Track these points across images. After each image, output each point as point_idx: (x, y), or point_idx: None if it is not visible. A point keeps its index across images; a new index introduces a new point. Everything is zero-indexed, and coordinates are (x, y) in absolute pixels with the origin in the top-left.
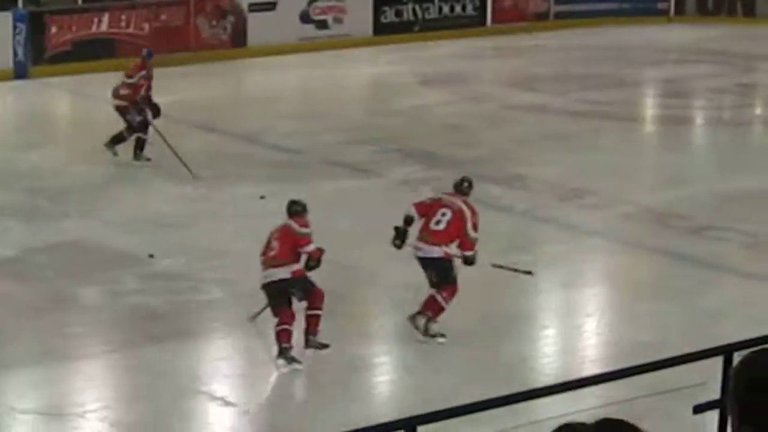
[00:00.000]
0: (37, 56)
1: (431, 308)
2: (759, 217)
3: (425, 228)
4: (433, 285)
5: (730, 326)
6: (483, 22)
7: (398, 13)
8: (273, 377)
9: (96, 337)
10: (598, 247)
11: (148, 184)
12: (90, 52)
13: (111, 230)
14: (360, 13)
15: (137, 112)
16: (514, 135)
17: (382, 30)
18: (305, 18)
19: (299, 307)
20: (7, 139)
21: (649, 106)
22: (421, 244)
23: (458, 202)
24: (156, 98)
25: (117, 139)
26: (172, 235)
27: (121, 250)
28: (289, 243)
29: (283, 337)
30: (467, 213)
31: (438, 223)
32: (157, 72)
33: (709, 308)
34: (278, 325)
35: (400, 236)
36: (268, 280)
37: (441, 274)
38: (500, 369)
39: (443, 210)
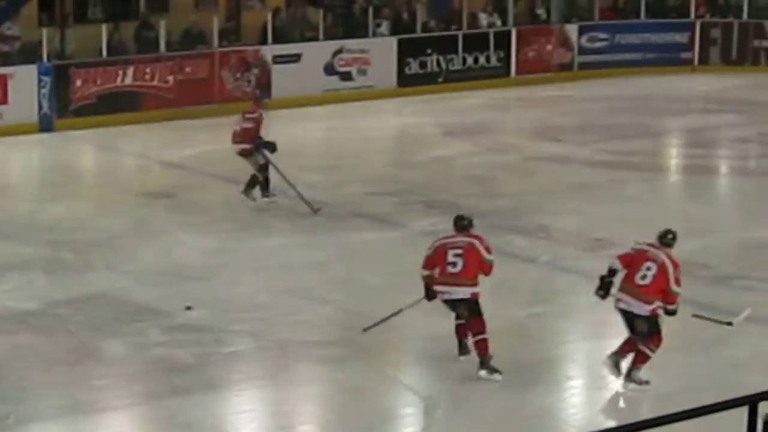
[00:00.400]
0: (62, 109)
1: (641, 361)
2: None
3: (630, 281)
4: (640, 335)
5: (757, 377)
6: (507, 73)
7: (422, 65)
8: (300, 430)
9: (121, 389)
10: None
11: (172, 236)
12: (115, 105)
13: (134, 283)
14: (384, 65)
15: (260, 154)
16: (537, 186)
17: (406, 81)
18: (329, 70)
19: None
20: (32, 191)
21: (673, 156)
22: (627, 297)
23: (662, 255)
24: (181, 151)
25: (252, 184)
26: (195, 287)
27: (144, 303)
28: (475, 264)
29: (482, 347)
30: (670, 268)
31: (644, 278)
32: (181, 125)
33: (735, 358)
34: (475, 336)
35: (604, 287)
36: (449, 297)
37: (651, 328)
38: (525, 419)
39: (648, 264)
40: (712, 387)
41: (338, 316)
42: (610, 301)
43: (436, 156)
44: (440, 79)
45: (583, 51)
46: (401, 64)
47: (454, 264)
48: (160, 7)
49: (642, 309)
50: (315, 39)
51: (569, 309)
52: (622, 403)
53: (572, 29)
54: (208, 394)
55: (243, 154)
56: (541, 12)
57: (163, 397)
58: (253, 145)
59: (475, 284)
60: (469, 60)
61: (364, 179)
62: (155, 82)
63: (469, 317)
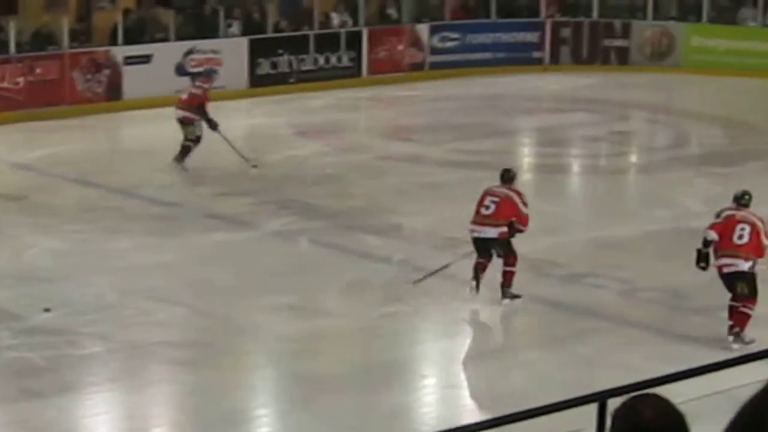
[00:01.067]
0: None
1: (741, 322)
2: (634, 265)
3: (729, 244)
4: (740, 297)
5: (607, 373)
6: (359, 73)
7: (274, 65)
8: None
9: None
10: (475, 296)
11: (22, 239)
12: None
13: None
14: (236, 66)
15: (199, 126)
16: (389, 185)
17: (257, 82)
18: (181, 70)
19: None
20: None
21: (525, 155)
22: (729, 260)
23: (750, 216)
24: (31, 153)
25: (184, 153)
26: (46, 289)
27: None
28: (508, 211)
29: (508, 278)
30: (759, 224)
31: (741, 237)
32: (32, 126)
33: (586, 355)
34: (507, 266)
35: (703, 258)
36: (479, 236)
37: (750, 286)
38: (378, 419)
39: (741, 225)
40: (561, 384)
41: (189, 318)
42: (462, 299)
43: (288, 156)
44: (292, 80)
45: (434, 51)
46: (252, 65)
47: (487, 207)
48: (9, 9)
49: (745, 266)
50: (166, 40)
51: (422, 308)
52: (475, 401)
53: (423, 29)
54: (61, 397)
55: (184, 122)
56: (392, 12)
57: (16, 401)
58: (198, 116)
59: (503, 226)
60: (321, 60)
61: (216, 180)
62: (5, 84)
63: (505, 254)
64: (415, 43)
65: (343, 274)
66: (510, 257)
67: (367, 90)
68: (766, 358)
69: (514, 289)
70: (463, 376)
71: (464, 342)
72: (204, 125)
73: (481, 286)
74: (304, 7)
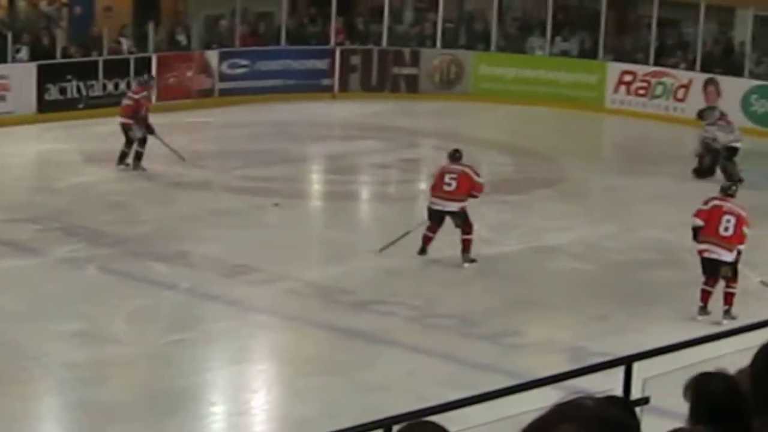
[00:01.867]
0: None
1: (732, 300)
2: (421, 291)
3: (714, 233)
4: (725, 278)
5: (395, 399)
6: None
7: (62, 91)
8: None
9: None
10: (264, 323)
11: None
12: None
13: None
14: (23, 91)
15: (139, 128)
16: (178, 212)
17: (46, 107)
18: None
19: None
20: None
21: (314, 182)
22: (713, 248)
23: (736, 208)
24: None
25: (138, 157)
26: None
27: None
28: (466, 185)
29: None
30: (743, 214)
31: (726, 229)
32: None
33: (374, 382)
34: (465, 234)
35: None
36: (440, 208)
37: (733, 269)
38: None
39: (727, 217)
40: (352, 411)
41: None
42: (250, 326)
43: (76, 182)
44: (81, 105)
45: (223, 77)
46: (41, 90)
47: (449, 184)
48: None
49: (729, 257)
50: None
51: (210, 335)
52: (265, 429)
53: (213, 55)
54: None
55: (124, 127)
56: (181, 38)
57: None
58: (134, 121)
59: (463, 200)
60: (110, 86)
61: (3, 206)
62: None
63: (463, 224)
64: (205, 69)
65: (130, 301)
66: (467, 227)
67: (157, 116)
68: (550, 384)
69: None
70: (252, 404)
71: (253, 369)
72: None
73: (280, 312)
74: (93, 33)
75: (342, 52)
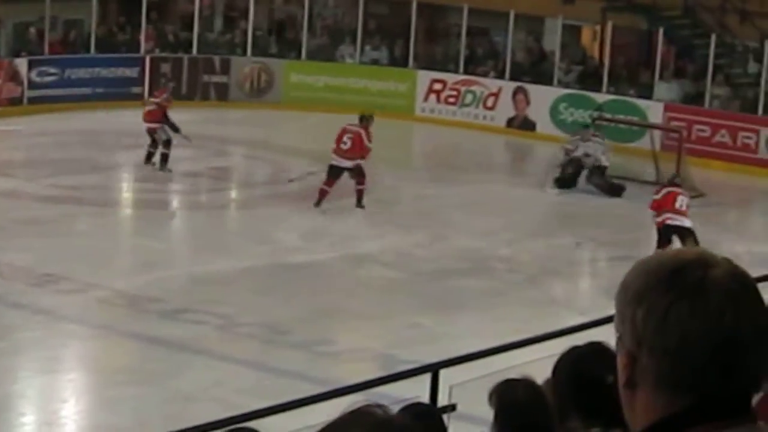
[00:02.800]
0: None
1: None
2: (232, 300)
3: (673, 208)
4: (690, 243)
5: (203, 408)
6: None
7: None
8: None
9: None
10: (73, 332)
11: None
12: None
13: None
14: None
15: (164, 131)
16: None
17: None
18: None
19: None
20: None
21: (124, 191)
22: (678, 217)
23: (684, 191)
24: None
25: (165, 160)
26: None
27: None
28: (359, 147)
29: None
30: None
31: (682, 205)
32: None
33: (184, 391)
34: (359, 185)
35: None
36: (337, 164)
37: (694, 237)
38: None
39: (682, 197)
40: (160, 420)
41: None
42: (60, 336)
43: None
44: None
45: (33, 85)
46: None
47: (345, 143)
48: None
49: (688, 222)
50: None
51: (19, 344)
52: None
53: (22, 63)
54: None
55: (149, 132)
56: None
57: None
58: (160, 124)
59: (356, 158)
60: None
61: None
62: None
63: (357, 177)
64: (14, 77)
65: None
66: (361, 179)
67: None
68: (359, 391)
69: None
70: (62, 414)
71: (63, 378)
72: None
73: (90, 321)
74: None
75: (152, 60)
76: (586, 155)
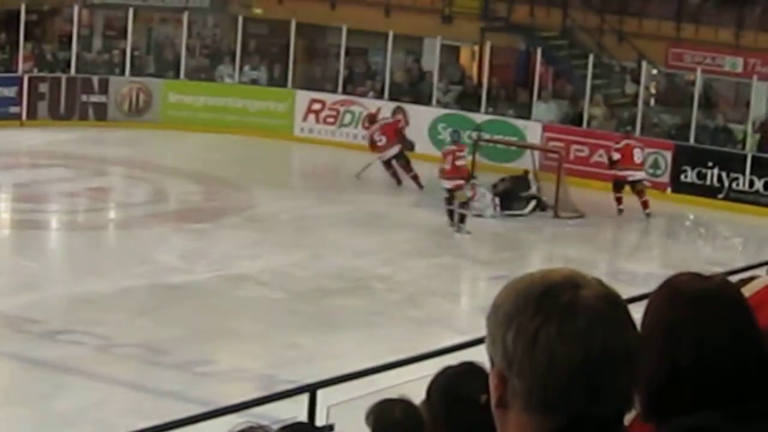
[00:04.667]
0: None
1: (648, 205)
2: (110, 320)
3: (631, 162)
4: (641, 194)
5: (83, 429)
6: None
7: None
8: None
9: None
10: None
11: None
12: None
13: None
14: None
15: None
16: None
17: None
18: None
19: None
20: None
21: (1, 211)
22: (635, 172)
23: (638, 141)
24: None
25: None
26: None
27: None
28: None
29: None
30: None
31: (639, 158)
32: None
33: (62, 412)
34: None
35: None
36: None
37: (644, 187)
38: None
39: (637, 149)
40: None
41: None
42: None
43: None
44: None
45: None
46: None
47: (380, 140)
48: None
49: (643, 176)
50: None
51: None
52: None
53: None
54: None
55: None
56: None
57: None
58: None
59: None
60: None
61: None
62: None
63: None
64: None
65: None
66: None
67: None
68: (238, 412)
69: None
70: None
71: None
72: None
73: None
74: None
75: (30, 80)
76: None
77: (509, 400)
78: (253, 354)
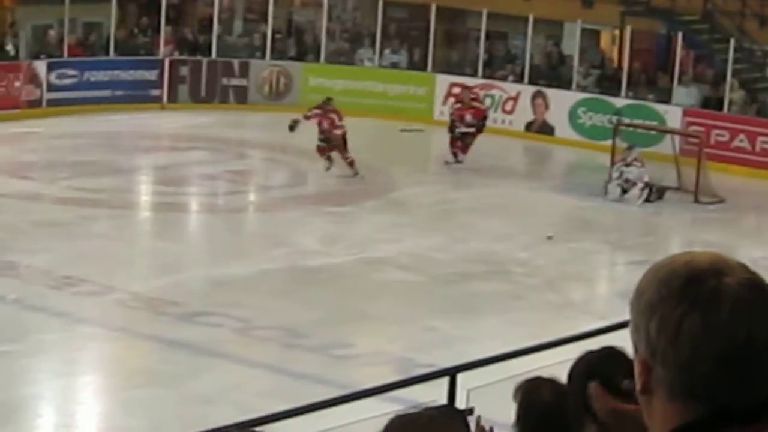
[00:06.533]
0: None
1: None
2: (249, 302)
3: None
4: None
5: (220, 411)
6: None
7: None
8: None
9: None
10: (91, 334)
11: None
12: None
13: None
14: None
15: None
16: (5, 223)
17: None
18: None
19: None
20: None
21: (142, 193)
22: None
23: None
24: None
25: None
26: None
27: None
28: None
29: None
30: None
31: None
32: None
33: (201, 394)
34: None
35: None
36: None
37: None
38: None
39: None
40: (177, 423)
41: None
42: (78, 338)
43: None
44: None
45: (52, 88)
46: None
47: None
48: None
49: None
50: None
51: (38, 347)
52: None
53: (41, 65)
54: None
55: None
56: (9, 48)
57: None
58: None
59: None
60: None
61: None
62: None
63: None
64: (33, 79)
65: None
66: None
67: None
68: (376, 395)
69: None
70: (78, 416)
71: (80, 381)
72: None
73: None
74: None
75: (171, 63)
76: (626, 181)
77: (653, 387)
78: (391, 337)
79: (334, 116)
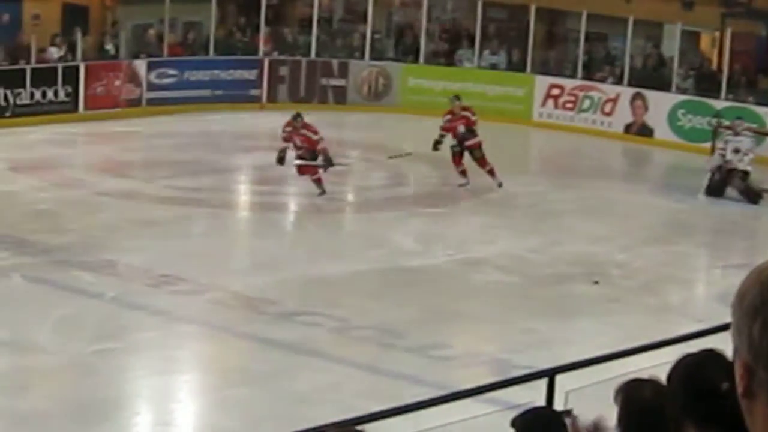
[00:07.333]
0: None
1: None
2: (346, 302)
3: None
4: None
5: (317, 410)
6: (75, 108)
7: None
8: None
9: None
10: (189, 333)
11: None
12: None
13: None
14: None
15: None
16: (104, 221)
17: None
18: None
19: None
20: None
21: (240, 193)
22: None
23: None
24: None
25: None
26: None
27: None
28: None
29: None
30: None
31: None
32: None
33: (299, 393)
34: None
35: (439, 143)
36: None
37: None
38: None
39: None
40: (273, 422)
41: None
42: (175, 336)
43: (2, 191)
44: (7, 113)
45: (151, 87)
46: None
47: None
48: None
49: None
50: None
51: (136, 345)
52: None
53: (141, 65)
54: None
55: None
56: (110, 47)
57: None
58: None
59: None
60: (37, 94)
61: None
62: None
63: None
64: (133, 78)
65: (55, 310)
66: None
67: (83, 125)
68: (473, 396)
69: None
70: (176, 414)
71: (178, 379)
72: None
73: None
74: (21, 41)
75: (270, 63)
76: (736, 151)
77: (755, 391)
78: (488, 338)
79: (305, 132)
